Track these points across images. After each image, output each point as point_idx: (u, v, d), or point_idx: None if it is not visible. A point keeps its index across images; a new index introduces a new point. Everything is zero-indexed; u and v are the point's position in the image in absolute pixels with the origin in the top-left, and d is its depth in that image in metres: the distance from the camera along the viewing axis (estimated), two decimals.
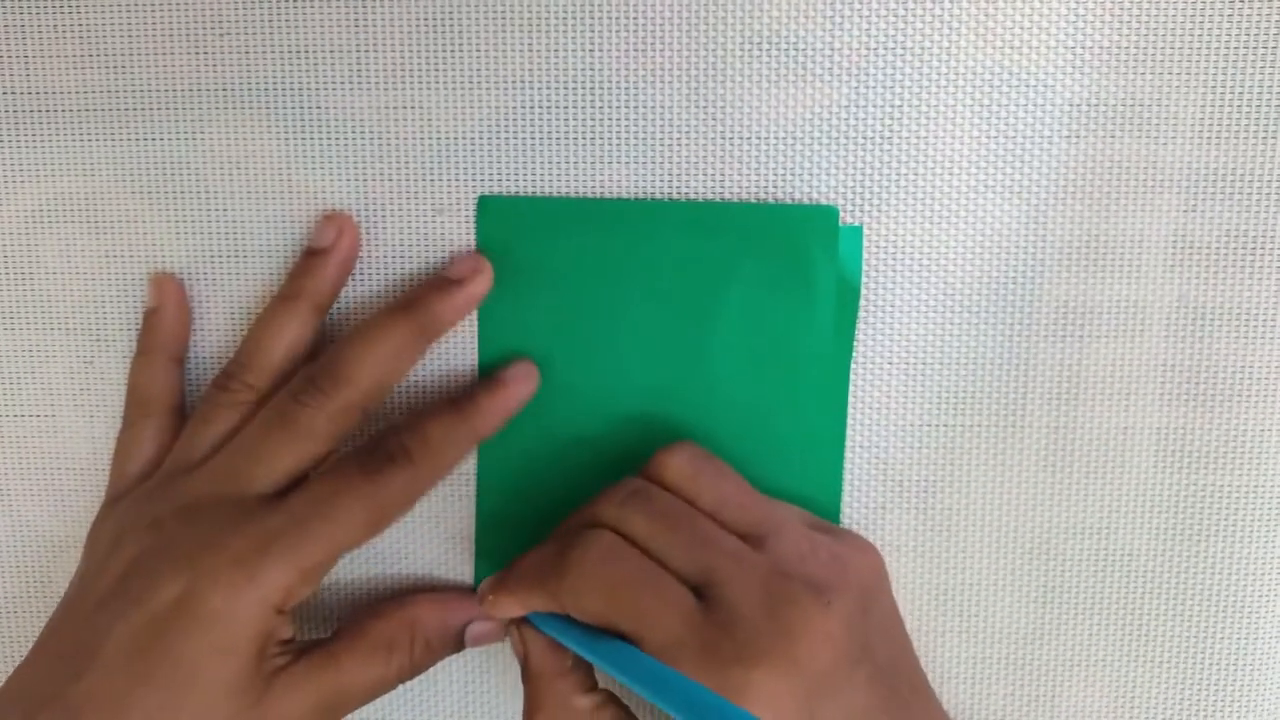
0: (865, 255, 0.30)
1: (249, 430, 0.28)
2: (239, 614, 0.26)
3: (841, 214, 0.30)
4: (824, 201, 0.30)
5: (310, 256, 0.30)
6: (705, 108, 0.30)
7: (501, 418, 0.30)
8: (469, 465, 0.32)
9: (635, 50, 0.29)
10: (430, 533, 0.32)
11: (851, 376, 0.31)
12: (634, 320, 0.30)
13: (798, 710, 0.25)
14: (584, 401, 0.31)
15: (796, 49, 0.29)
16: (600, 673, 0.28)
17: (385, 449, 0.28)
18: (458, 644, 0.31)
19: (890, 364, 0.31)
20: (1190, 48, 0.29)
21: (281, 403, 0.28)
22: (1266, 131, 0.29)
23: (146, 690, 0.25)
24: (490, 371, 0.31)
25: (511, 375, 0.30)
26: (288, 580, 0.26)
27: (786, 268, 0.30)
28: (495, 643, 0.31)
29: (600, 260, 0.30)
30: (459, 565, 0.32)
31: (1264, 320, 0.30)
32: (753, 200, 0.30)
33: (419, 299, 0.29)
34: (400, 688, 0.30)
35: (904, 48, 0.29)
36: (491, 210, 0.30)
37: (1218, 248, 0.30)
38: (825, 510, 0.31)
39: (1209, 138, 0.29)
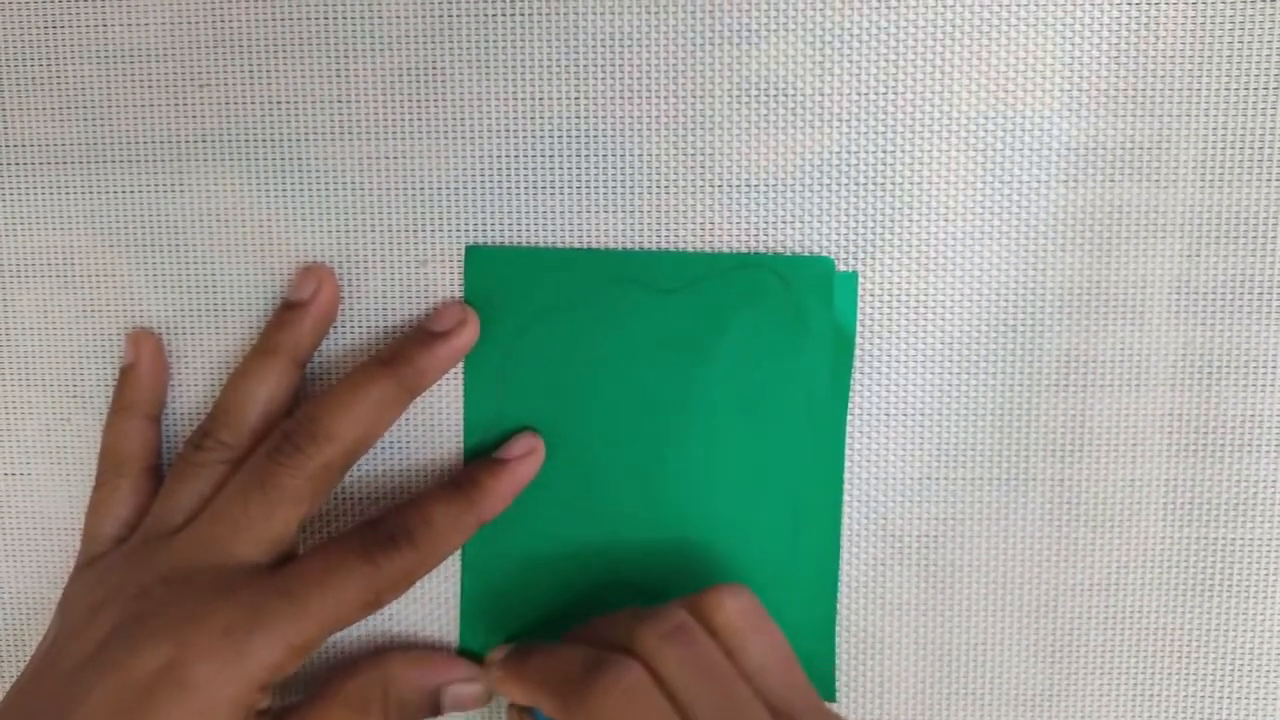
0: (860, 304, 0.29)
1: (228, 494, 0.27)
2: (224, 686, 0.25)
3: (835, 262, 0.29)
4: (817, 249, 0.29)
5: (288, 310, 0.29)
6: (694, 155, 0.29)
7: (506, 499, 0.29)
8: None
9: (622, 98, 0.29)
10: (414, 592, 0.31)
11: (848, 429, 0.30)
12: (626, 373, 0.30)
13: None
14: (574, 454, 0.30)
15: (786, 95, 0.29)
16: None
17: (387, 530, 0.27)
18: (434, 707, 0.30)
19: (888, 415, 0.30)
20: (1190, 89, 0.28)
21: (259, 464, 0.27)
22: (1270, 174, 0.29)
23: None
24: (490, 448, 0.30)
25: (515, 452, 0.29)
26: (277, 656, 0.25)
27: (781, 319, 0.29)
28: (476, 709, 0.30)
29: (591, 311, 0.29)
30: (443, 625, 0.31)
31: (1272, 367, 0.29)
32: (744, 249, 0.29)
33: (401, 352, 0.28)
34: None
35: (896, 92, 0.29)
36: (479, 261, 0.30)
37: (1222, 294, 0.29)
38: (824, 568, 0.30)
39: (1211, 181, 0.29)
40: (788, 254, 0.29)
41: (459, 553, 0.31)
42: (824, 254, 0.29)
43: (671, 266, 0.29)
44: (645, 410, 0.30)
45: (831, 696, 0.31)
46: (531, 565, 0.30)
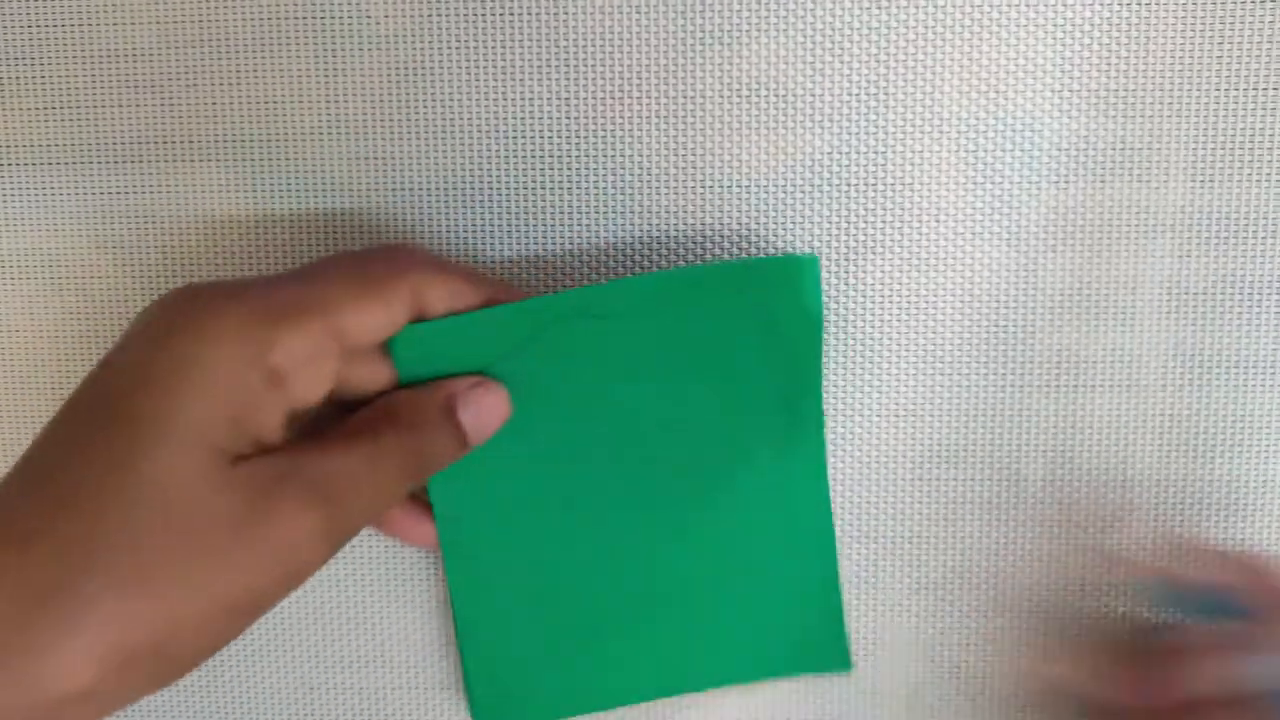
0: (851, 305, 0.29)
1: None
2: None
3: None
4: (807, 249, 0.29)
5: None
6: (685, 155, 0.29)
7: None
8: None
9: (612, 98, 0.29)
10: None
11: (840, 430, 0.30)
12: (597, 404, 0.28)
13: None
14: (558, 488, 0.29)
15: (777, 95, 0.29)
16: None
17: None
18: None
19: (879, 417, 0.30)
20: (1181, 89, 0.28)
21: None
22: (1261, 174, 0.29)
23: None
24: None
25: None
26: None
27: (747, 324, 0.27)
28: None
29: (545, 352, 0.27)
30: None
31: (1263, 367, 0.29)
32: (734, 248, 0.29)
33: None
34: None
35: (887, 93, 0.28)
36: (408, 345, 0.26)
37: (1214, 294, 0.29)
38: (818, 571, 0.30)
39: (1202, 181, 0.29)
40: (768, 254, 0.29)
41: (447, 592, 0.29)
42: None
43: (622, 297, 0.27)
44: (622, 434, 0.28)
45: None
46: (525, 607, 0.30)
